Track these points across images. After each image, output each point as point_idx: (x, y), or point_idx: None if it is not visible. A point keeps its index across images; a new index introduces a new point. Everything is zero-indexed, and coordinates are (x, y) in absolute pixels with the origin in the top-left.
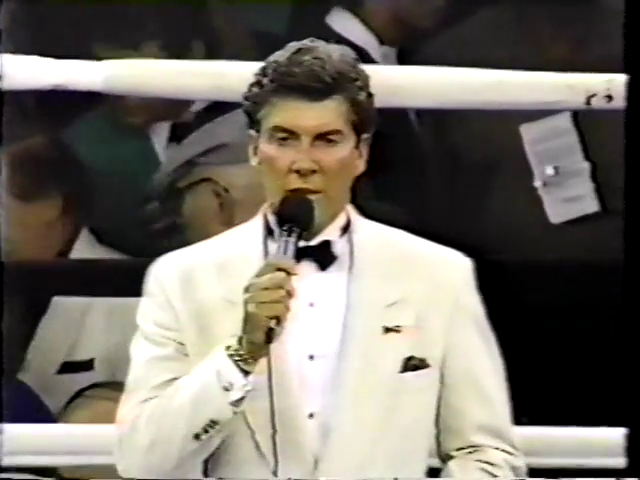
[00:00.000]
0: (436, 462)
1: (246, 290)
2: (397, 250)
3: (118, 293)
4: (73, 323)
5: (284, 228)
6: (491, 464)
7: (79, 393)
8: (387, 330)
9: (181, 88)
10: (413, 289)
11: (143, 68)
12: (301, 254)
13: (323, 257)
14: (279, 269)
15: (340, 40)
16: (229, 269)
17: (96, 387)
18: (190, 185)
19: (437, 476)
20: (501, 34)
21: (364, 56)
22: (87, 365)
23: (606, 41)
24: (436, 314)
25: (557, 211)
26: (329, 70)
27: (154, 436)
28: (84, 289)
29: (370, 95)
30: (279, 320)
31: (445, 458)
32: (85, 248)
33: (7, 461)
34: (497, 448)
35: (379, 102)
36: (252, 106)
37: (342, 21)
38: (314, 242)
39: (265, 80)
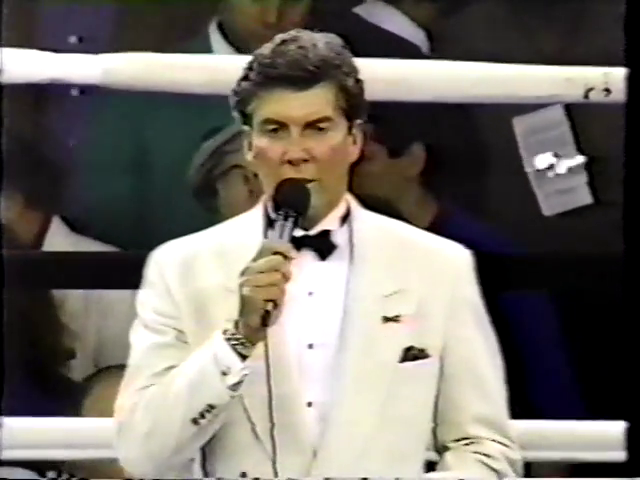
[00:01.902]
0: (432, 455)
1: (242, 273)
2: (397, 240)
3: (96, 285)
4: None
5: (280, 212)
6: (488, 456)
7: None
8: (387, 320)
9: (179, 82)
10: (413, 279)
11: (141, 62)
12: (301, 243)
13: (323, 246)
14: (275, 252)
15: (392, 37)
16: (229, 258)
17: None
18: (222, 173)
19: (432, 468)
20: (498, 27)
21: (416, 52)
22: (69, 354)
23: (605, 34)
24: (435, 305)
25: (550, 203)
26: (312, 58)
27: (153, 422)
28: (62, 281)
29: (358, 81)
30: (275, 303)
31: (441, 450)
32: (58, 238)
33: (7, 454)
34: (494, 440)
35: (374, 95)
36: (241, 101)
37: (390, 17)
38: (313, 231)
39: (252, 74)
